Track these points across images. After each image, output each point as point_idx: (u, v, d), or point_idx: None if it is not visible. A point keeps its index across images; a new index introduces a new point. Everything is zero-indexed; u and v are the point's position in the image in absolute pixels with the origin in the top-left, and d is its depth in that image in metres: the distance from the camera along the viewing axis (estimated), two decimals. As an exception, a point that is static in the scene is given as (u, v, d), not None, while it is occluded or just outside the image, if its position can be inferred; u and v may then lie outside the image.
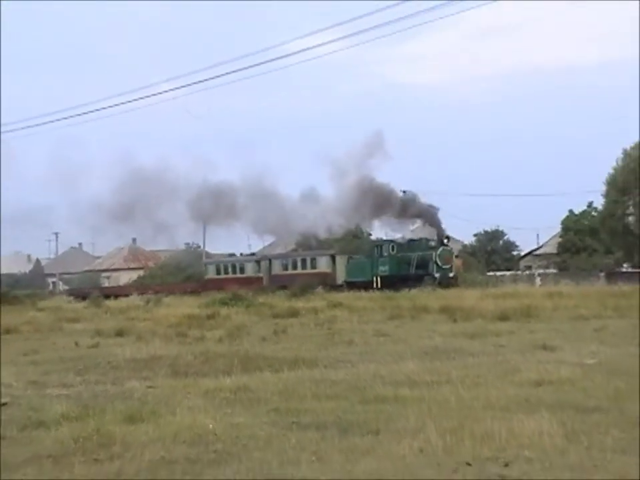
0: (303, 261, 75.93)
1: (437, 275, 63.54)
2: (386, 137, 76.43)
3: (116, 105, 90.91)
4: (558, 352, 19.13)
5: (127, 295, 67.22)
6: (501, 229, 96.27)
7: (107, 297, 67.35)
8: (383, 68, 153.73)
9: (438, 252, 64.84)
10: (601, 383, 13.79)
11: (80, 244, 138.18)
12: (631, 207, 72.16)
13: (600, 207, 78.08)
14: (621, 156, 72.04)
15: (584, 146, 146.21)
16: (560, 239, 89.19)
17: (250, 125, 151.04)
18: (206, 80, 76.02)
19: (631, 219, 72.82)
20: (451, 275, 64.88)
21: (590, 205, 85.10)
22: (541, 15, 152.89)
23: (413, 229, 79.73)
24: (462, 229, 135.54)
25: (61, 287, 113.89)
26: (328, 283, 68.11)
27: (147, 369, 17.86)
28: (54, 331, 31.29)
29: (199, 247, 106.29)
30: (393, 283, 63.05)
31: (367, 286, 63.07)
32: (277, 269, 77.24)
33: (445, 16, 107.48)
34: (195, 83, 77.29)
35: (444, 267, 64.48)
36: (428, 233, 73.25)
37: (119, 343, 24.02)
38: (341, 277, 70.95)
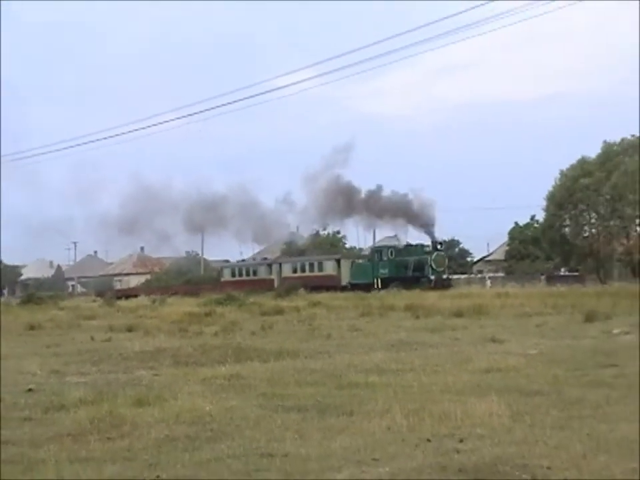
0: (311, 265, 73.72)
1: (432, 277, 62.25)
2: (353, 151, 75.93)
3: (128, 132, 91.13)
4: (505, 344, 19.15)
5: (136, 296, 67.06)
6: (456, 238, 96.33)
7: (128, 297, 67.08)
8: (352, 101, 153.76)
9: (433, 256, 63.68)
10: (542, 370, 13.83)
11: (95, 252, 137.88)
12: (567, 220, 72.46)
13: (541, 220, 78.33)
14: (559, 176, 72.41)
15: (527, 167, 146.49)
16: (507, 247, 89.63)
17: (239, 148, 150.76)
18: (202, 111, 76.40)
19: (567, 230, 73.12)
20: (445, 277, 64.01)
21: (533, 218, 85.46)
22: (485, 56, 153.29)
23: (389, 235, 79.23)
24: (424, 238, 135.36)
25: (79, 289, 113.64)
26: (333, 284, 66.14)
27: (153, 360, 17.80)
28: (73, 327, 31.11)
29: (198, 254, 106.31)
30: (391, 284, 61.76)
31: (368, 287, 61.42)
32: (287, 271, 74.96)
33: (404, 57, 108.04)
34: (195, 113, 77.61)
35: (438, 269, 63.35)
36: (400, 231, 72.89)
37: (129, 338, 23.99)
38: (345, 279, 68.93)
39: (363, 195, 73.01)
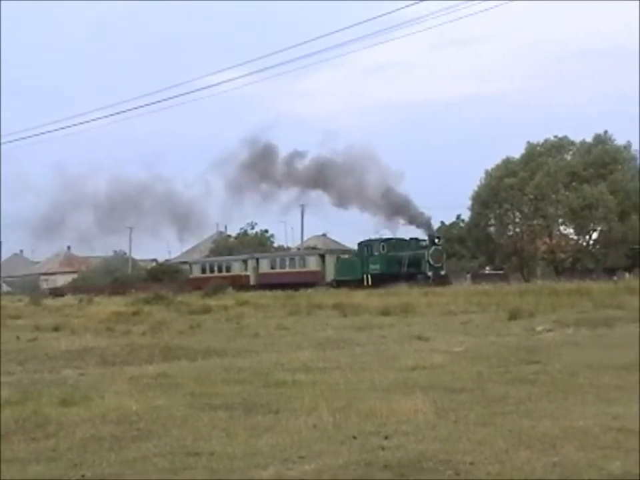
0: (292, 260, 70.89)
1: (429, 273, 59.70)
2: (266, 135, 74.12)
3: (55, 130, 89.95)
4: (431, 342, 19.29)
5: (63, 295, 66.24)
6: (383, 237, 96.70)
7: (57, 296, 65.85)
8: (281, 100, 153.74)
9: (430, 251, 60.90)
10: (466, 368, 13.96)
11: (21, 250, 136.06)
12: (492, 219, 73.30)
13: (467, 219, 79.12)
14: (484, 175, 73.20)
15: (454, 167, 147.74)
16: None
17: (164, 146, 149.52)
18: (128, 110, 75.63)
19: (492, 229, 73.99)
20: (442, 272, 61.15)
21: (458, 217, 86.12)
22: (412, 56, 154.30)
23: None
24: (348, 236, 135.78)
25: (5, 288, 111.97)
26: (317, 281, 63.71)
27: (80, 359, 17.62)
28: (-2, 326, 30.69)
29: (126, 253, 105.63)
30: (384, 281, 58.57)
31: (357, 284, 58.54)
32: (264, 267, 71.62)
33: (333, 57, 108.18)
34: (122, 112, 76.80)
35: (436, 265, 60.61)
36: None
37: (55, 337, 23.66)
38: (330, 276, 65.78)
39: (283, 158, 70.93)
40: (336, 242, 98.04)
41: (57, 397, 11.57)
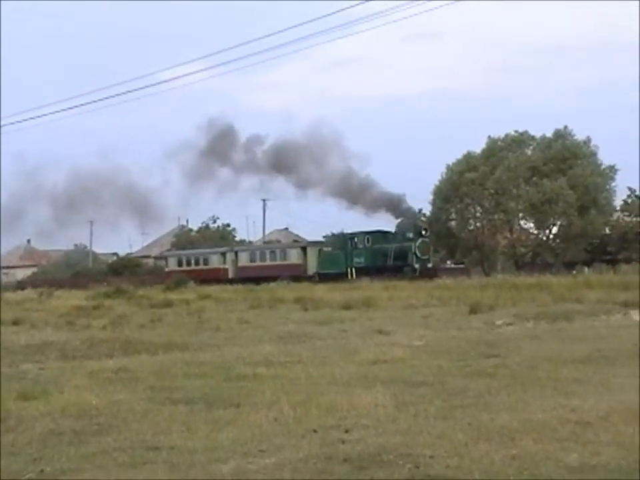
0: (272, 253, 69.12)
1: (416, 266, 58.10)
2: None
3: (10, 123, 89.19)
4: (392, 336, 19.36)
5: (23, 289, 65.64)
6: (345, 231, 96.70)
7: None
8: (242, 94, 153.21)
9: (417, 243, 59.25)
10: (427, 361, 14.04)
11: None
12: (453, 213, 73.59)
13: (428, 213, 79.34)
14: (445, 170, 73.46)
15: (414, 161, 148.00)
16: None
17: (123, 139, 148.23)
18: (87, 103, 74.92)
19: (453, 223, 74.26)
20: (429, 265, 59.95)
21: (420, 211, 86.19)
22: (372, 51, 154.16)
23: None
24: (312, 231, 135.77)
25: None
26: (298, 274, 61.68)
27: (39, 353, 17.54)
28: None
29: (86, 247, 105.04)
30: (369, 274, 56.79)
31: (340, 278, 56.76)
32: (244, 260, 69.82)
33: (297, 50, 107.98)
34: (79, 105, 76.17)
35: (423, 257, 59.19)
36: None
37: (15, 331, 23.50)
38: (312, 269, 64.30)
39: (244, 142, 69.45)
40: (297, 236, 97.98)
41: (16, 392, 11.49)
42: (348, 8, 51.74)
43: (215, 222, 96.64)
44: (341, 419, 9.12)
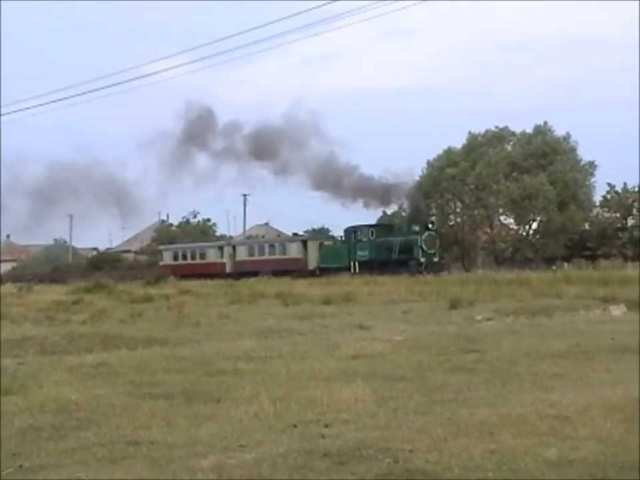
0: (272, 247, 67.61)
1: (422, 260, 56.86)
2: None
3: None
4: (372, 330, 19.40)
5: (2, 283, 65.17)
6: (326, 227, 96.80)
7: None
8: (220, 89, 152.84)
9: (423, 236, 57.88)
10: (406, 356, 14.07)
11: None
12: (433, 209, 73.67)
13: (408, 210, 79.37)
14: (425, 166, 73.55)
15: (395, 157, 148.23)
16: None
17: (103, 134, 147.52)
18: (66, 98, 74.44)
19: (433, 219, 74.36)
20: (436, 259, 58.87)
21: (400, 206, 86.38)
22: (350, 46, 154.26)
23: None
24: (293, 226, 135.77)
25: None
26: (299, 268, 61.14)
27: (19, 348, 17.45)
28: None
29: (66, 242, 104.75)
30: (373, 268, 55.62)
31: (343, 271, 56.34)
32: (242, 254, 68.76)
33: (276, 46, 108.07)
34: (59, 100, 75.82)
35: (429, 251, 57.85)
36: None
37: (-6, 326, 23.43)
38: (313, 263, 63.14)
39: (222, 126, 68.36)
40: (278, 231, 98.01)
41: (-5, 387, 11.45)
42: (327, 4, 51.61)
43: (195, 217, 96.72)
44: (320, 414, 9.13)
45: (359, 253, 60.42)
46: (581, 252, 65.50)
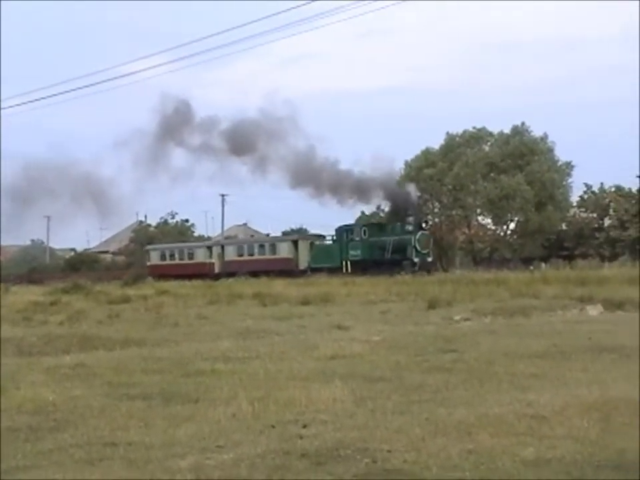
0: (261, 247, 66.42)
1: (416, 260, 56.23)
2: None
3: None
4: (350, 331, 19.41)
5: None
6: (304, 227, 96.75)
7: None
8: (198, 90, 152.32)
9: (417, 236, 57.23)
10: (385, 357, 14.08)
11: None
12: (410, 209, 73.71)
13: (387, 209, 79.41)
14: (403, 166, 73.60)
15: (374, 158, 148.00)
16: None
17: (81, 135, 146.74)
18: (43, 98, 73.91)
19: (410, 219, 74.42)
20: (430, 259, 58.16)
21: (378, 207, 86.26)
22: (329, 47, 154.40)
23: None
24: (272, 227, 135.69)
25: None
26: (289, 269, 59.99)
27: (-5, 349, 17.39)
28: None
29: (44, 242, 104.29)
30: (366, 268, 55.50)
31: (335, 271, 55.21)
32: (230, 254, 67.45)
33: (253, 46, 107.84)
34: (36, 100, 75.29)
35: (423, 251, 57.16)
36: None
37: (-30, 327, 23.30)
38: (303, 263, 62.26)
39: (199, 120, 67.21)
40: (257, 231, 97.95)
41: (-29, 388, 11.39)
42: (306, 4, 51.54)
43: (173, 217, 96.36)
44: (299, 414, 9.14)
45: (351, 252, 59.72)
46: (558, 252, 65.78)
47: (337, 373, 12.10)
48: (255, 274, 56.56)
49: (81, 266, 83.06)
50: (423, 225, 59.17)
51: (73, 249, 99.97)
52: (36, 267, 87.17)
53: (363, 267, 56.19)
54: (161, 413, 9.55)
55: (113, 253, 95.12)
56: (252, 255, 66.20)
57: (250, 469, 6.94)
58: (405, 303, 28.61)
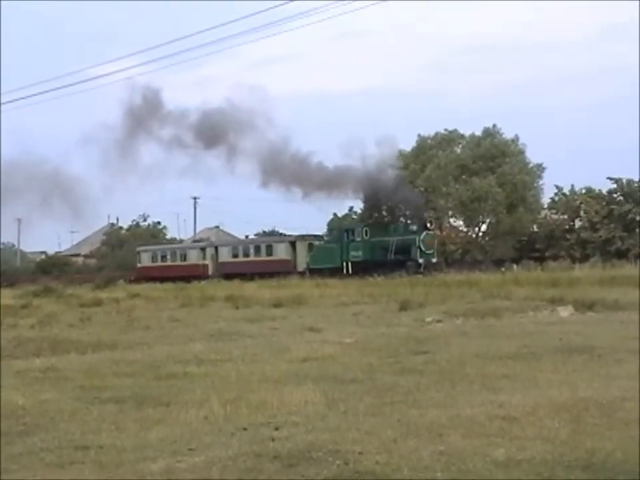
0: (257, 248, 64.48)
1: (420, 260, 54.15)
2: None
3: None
4: (322, 333, 19.41)
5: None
6: (277, 229, 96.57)
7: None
8: (173, 92, 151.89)
9: (422, 236, 55.11)
10: (357, 358, 14.11)
11: None
12: (383, 211, 73.84)
13: (359, 211, 79.46)
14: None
15: (347, 159, 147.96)
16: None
17: (53, 136, 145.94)
18: (18, 99, 73.40)
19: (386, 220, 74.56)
20: (434, 260, 56.09)
21: (351, 209, 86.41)
22: (302, 49, 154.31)
23: None
24: (244, 228, 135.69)
25: None
26: (287, 270, 57.52)
27: (-35, 353, 17.28)
28: None
29: (14, 245, 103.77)
30: (367, 268, 53.63)
31: (335, 273, 53.83)
32: (225, 256, 65.58)
33: (230, 47, 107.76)
34: (10, 102, 74.95)
35: (428, 251, 55.11)
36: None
37: (-60, 331, 23.12)
38: (302, 264, 60.43)
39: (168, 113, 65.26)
40: (229, 234, 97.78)
41: (-60, 392, 11.31)
42: (279, 5, 51.56)
43: (145, 220, 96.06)
44: (271, 417, 9.14)
45: (352, 253, 57.78)
46: (529, 253, 65.92)
47: (309, 375, 12.12)
48: (251, 277, 54.82)
49: (52, 269, 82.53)
50: (428, 225, 57.32)
51: (44, 252, 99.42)
52: (6, 270, 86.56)
53: (364, 268, 54.61)
54: (132, 416, 9.53)
55: (85, 256, 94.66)
56: (247, 256, 64.79)
57: (222, 471, 6.93)
58: (377, 305, 28.62)
